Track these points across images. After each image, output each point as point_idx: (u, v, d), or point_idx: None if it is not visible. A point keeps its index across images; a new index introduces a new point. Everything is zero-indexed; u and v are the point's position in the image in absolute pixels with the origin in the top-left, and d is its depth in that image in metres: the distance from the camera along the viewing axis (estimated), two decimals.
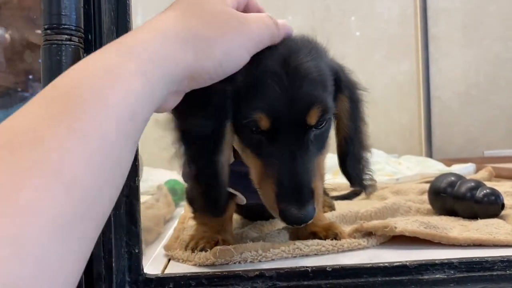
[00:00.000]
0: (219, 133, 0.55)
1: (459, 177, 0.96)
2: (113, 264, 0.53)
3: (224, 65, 0.48)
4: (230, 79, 0.51)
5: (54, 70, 0.47)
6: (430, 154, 2.18)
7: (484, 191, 0.88)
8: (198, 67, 0.46)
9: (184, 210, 1.07)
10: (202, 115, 0.55)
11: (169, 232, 0.88)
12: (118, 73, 0.37)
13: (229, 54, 0.48)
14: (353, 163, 0.63)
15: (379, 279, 0.59)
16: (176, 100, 0.50)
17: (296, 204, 0.51)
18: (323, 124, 0.56)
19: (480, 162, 1.62)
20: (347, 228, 0.81)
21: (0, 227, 0.25)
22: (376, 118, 2.23)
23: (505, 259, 0.61)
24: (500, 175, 1.39)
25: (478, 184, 0.91)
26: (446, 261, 0.61)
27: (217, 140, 0.55)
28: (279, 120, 0.52)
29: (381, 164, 1.68)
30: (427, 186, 1.04)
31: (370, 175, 0.67)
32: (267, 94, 0.52)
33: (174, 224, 0.95)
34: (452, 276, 0.59)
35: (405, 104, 2.29)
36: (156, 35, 0.43)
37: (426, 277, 0.59)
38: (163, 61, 0.42)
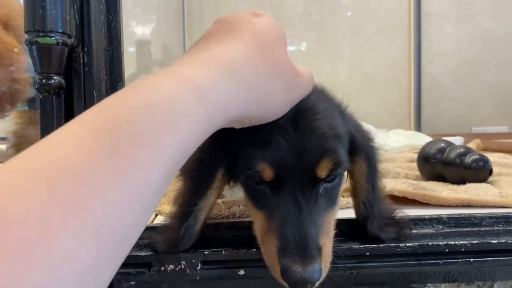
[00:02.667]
0: (208, 179, 0.53)
1: (449, 143, 0.96)
2: None
3: (271, 115, 0.47)
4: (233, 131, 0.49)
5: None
6: (418, 129, 2.18)
7: (473, 157, 0.88)
8: (252, 116, 0.45)
9: None
10: (199, 157, 0.53)
11: None
12: (180, 113, 0.34)
13: (280, 107, 0.47)
14: (375, 225, 0.57)
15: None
16: None
17: (300, 261, 0.44)
18: (334, 178, 0.51)
19: (468, 138, 1.62)
20: None
21: (27, 271, 0.24)
22: (367, 93, 2.23)
23: (493, 215, 0.61)
24: (489, 148, 1.39)
25: (467, 150, 0.91)
26: (435, 216, 0.61)
27: (205, 186, 0.53)
28: (285, 170, 0.48)
29: None
30: (415, 155, 1.04)
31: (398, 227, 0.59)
32: (272, 146, 0.48)
33: None
34: (441, 231, 0.59)
35: (396, 79, 2.29)
36: (223, 75, 0.40)
37: (415, 231, 0.59)
38: (227, 107, 0.40)
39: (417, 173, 0.99)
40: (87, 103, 0.51)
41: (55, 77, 0.47)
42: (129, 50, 1.84)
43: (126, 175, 0.29)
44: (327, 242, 0.48)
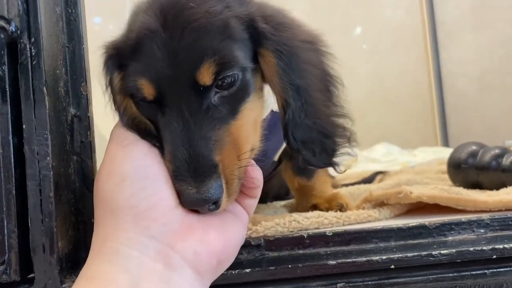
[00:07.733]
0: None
1: (481, 145, 0.85)
2: (55, 230, 0.43)
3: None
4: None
5: None
6: (446, 145, 2.06)
7: None
8: None
9: None
10: None
11: None
12: None
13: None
14: (300, 135, 0.48)
15: (392, 243, 0.48)
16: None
17: (193, 182, 0.41)
18: (231, 83, 0.44)
19: None
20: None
21: None
22: (388, 111, 2.11)
23: None
24: None
25: (504, 151, 0.80)
26: (474, 218, 0.50)
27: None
28: (166, 84, 0.42)
29: (393, 155, 1.58)
30: (445, 167, 0.92)
31: (340, 150, 0.52)
32: (146, 56, 0.42)
33: None
34: (483, 236, 0.48)
35: (417, 94, 2.18)
36: None
37: (450, 238, 0.48)
38: None
39: (449, 182, 0.88)
40: (37, 102, 0.43)
41: None
42: None
43: None
44: (228, 156, 0.43)
